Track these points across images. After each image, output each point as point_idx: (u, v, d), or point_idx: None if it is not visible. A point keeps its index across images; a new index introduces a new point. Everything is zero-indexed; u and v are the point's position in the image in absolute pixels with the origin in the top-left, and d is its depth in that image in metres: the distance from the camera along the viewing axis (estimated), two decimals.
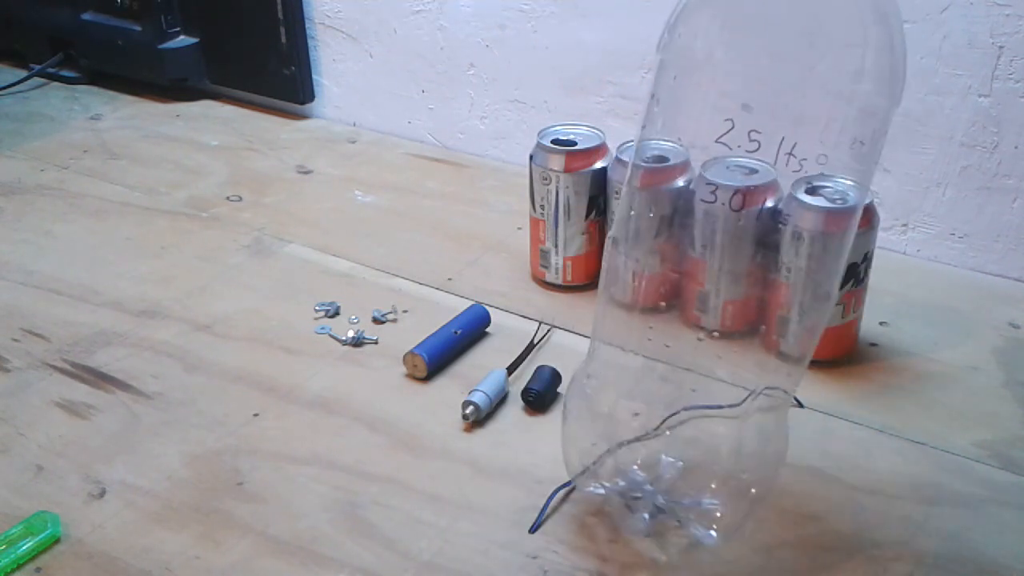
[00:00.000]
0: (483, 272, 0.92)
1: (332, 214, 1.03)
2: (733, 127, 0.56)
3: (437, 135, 1.21)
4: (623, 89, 1.05)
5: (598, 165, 0.84)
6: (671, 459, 0.62)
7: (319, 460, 0.68)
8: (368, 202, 1.06)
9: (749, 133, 0.56)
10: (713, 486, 0.60)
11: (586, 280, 0.89)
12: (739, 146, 0.58)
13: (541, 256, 0.89)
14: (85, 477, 0.67)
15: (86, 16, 1.36)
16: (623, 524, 0.62)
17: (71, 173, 1.13)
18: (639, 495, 0.61)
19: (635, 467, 0.62)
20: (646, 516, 0.61)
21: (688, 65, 0.57)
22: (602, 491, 0.62)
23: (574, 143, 0.85)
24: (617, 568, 0.59)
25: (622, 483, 0.61)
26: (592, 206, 0.85)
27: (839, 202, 0.73)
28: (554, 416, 0.72)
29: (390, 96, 1.23)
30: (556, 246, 0.88)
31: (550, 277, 0.90)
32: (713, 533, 0.60)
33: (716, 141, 0.57)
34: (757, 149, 0.57)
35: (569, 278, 0.89)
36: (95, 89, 1.39)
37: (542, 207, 0.86)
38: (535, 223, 0.88)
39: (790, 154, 0.55)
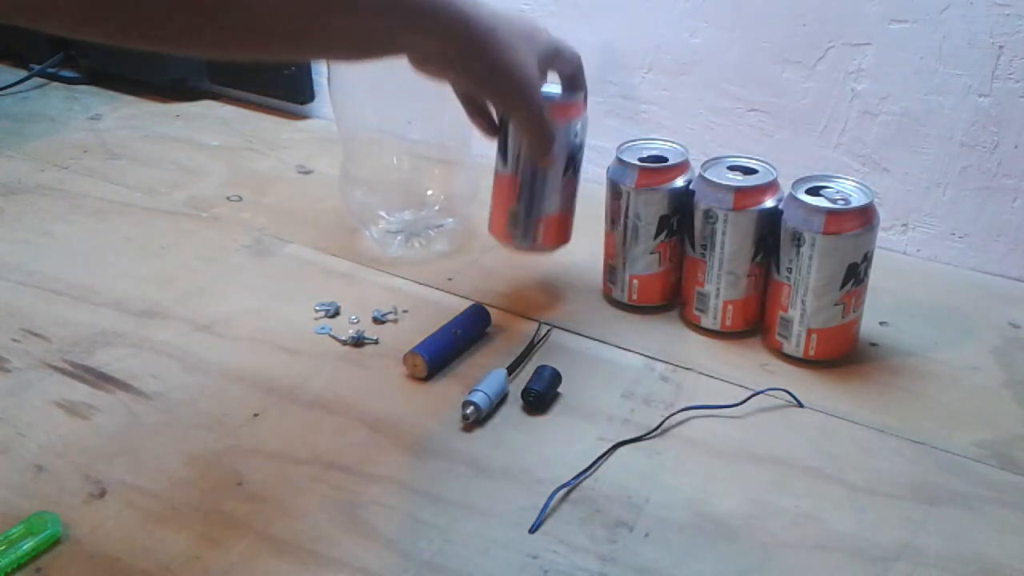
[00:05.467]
0: (483, 272, 0.92)
1: (332, 214, 1.03)
2: None
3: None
4: (623, 89, 1.05)
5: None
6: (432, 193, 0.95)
7: (319, 460, 0.68)
8: None
9: None
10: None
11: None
12: None
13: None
14: (85, 477, 0.67)
15: None
16: (383, 248, 0.94)
17: (71, 173, 1.13)
18: (402, 228, 0.94)
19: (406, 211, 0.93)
20: (399, 239, 0.93)
21: None
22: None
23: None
24: (618, 568, 0.59)
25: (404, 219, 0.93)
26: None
27: (840, 203, 0.73)
28: (554, 416, 0.72)
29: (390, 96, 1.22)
30: None
31: None
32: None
33: None
34: None
35: None
36: (95, 89, 1.39)
37: None
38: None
39: None
